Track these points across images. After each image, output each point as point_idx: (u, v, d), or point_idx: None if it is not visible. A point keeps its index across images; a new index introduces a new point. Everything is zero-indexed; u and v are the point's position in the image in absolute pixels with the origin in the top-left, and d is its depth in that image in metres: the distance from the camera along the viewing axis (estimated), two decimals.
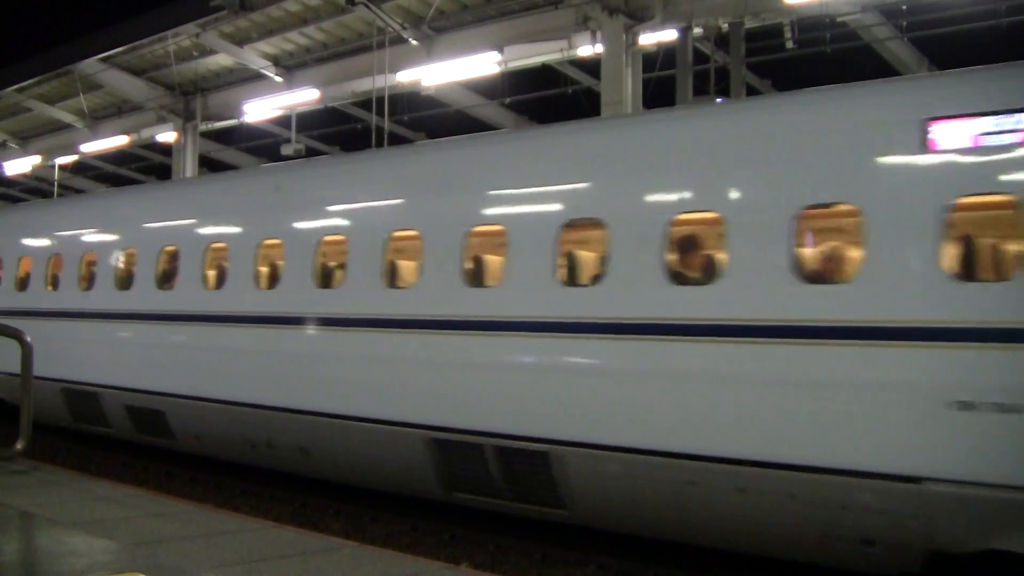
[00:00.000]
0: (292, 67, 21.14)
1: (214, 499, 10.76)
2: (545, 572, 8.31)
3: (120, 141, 25.57)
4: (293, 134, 22.25)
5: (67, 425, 13.87)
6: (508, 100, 20.72)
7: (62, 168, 30.52)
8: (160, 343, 11.95)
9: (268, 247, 10.91)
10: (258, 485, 11.33)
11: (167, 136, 24.76)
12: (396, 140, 20.11)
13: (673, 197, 7.79)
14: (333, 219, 10.37)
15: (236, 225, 11.37)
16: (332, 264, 10.53)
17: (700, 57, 15.80)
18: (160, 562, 5.75)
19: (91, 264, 13.47)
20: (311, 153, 23.28)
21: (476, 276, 9.06)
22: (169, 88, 23.15)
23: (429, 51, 18.10)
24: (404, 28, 17.79)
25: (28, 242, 15.18)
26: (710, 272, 7.64)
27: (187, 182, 15.63)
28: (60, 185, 31.82)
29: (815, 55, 15.70)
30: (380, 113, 18.23)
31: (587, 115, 16.47)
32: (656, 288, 7.53)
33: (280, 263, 10.80)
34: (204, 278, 11.46)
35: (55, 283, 14.08)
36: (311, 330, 10.09)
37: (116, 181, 29.99)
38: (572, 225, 8.21)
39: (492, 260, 9.15)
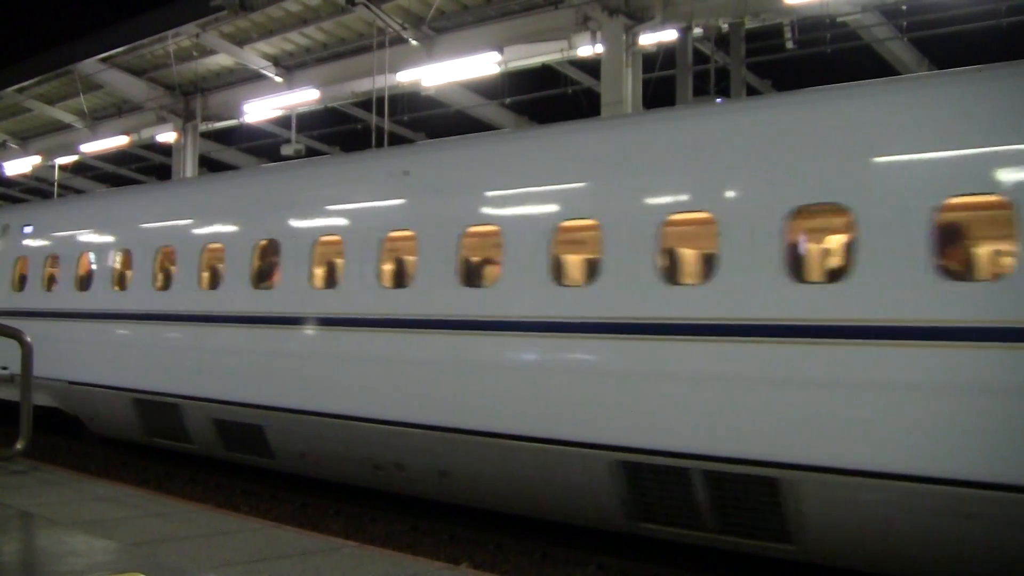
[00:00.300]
0: (292, 67, 21.14)
1: (214, 499, 10.75)
2: (545, 572, 8.30)
3: (120, 141, 25.56)
4: (293, 134, 22.25)
5: (138, 440, 12.63)
6: (508, 100, 20.73)
7: (62, 168, 30.52)
8: (259, 350, 10.54)
9: (395, 240, 9.58)
10: (258, 485, 11.33)
11: (167, 136, 24.75)
12: (396, 140, 20.11)
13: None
14: (483, 207, 8.97)
15: (352, 216, 10.03)
16: (478, 259, 9.26)
17: (700, 57, 15.80)
18: (160, 562, 5.75)
19: (169, 261, 12.14)
20: (311, 153, 23.27)
21: (675, 271, 7.75)
22: (169, 88, 23.15)
23: (429, 51, 18.09)
24: (404, 28, 17.78)
25: (87, 238, 13.69)
26: (980, 268, 6.67)
27: (279, 169, 13.86)
28: (60, 185, 31.81)
29: (815, 55, 15.70)
30: (380, 113, 18.23)
31: (587, 115, 16.46)
32: (922, 284, 6.38)
33: (410, 258, 9.46)
34: (312, 276, 10.11)
35: (123, 282, 12.66)
36: (455, 335, 8.76)
37: (116, 181, 29.98)
38: (800, 213, 7.03)
39: (692, 252, 7.93)
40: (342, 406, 9.53)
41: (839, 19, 14.97)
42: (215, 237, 11.40)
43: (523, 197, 8.75)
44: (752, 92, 17.27)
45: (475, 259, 9.21)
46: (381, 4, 17.31)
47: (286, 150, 21.35)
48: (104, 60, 22.28)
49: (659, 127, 8.56)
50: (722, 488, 7.11)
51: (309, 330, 10.04)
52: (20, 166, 29.64)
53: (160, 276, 12.15)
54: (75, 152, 27.03)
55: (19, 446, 9.10)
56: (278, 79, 21.17)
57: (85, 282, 13.25)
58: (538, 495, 8.38)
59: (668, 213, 7.63)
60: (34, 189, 34.40)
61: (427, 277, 9.05)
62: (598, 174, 8.34)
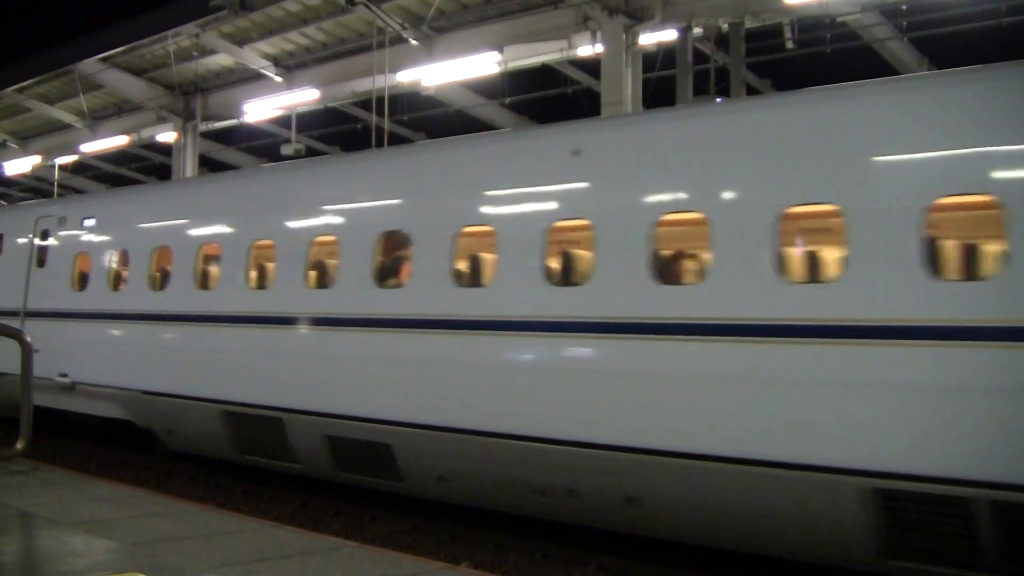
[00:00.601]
0: (292, 67, 21.15)
1: (214, 499, 10.75)
2: (545, 572, 8.30)
3: (120, 141, 25.57)
4: (293, 134, 22.25)
5: (225, 457, 11.32)
6: (508, 100, 20.74)
7: (62, 168, 30.56)
8: (388, 357, 9.21)
9: (564, 231, 8.45)
10: (258, 485, 11.33)
11: (167, 136, 24.77)
12: (396, 140, 20.11)
13: None
14: (679, 191, 7.73)
15: (504, 203, 8.75)
16: (671, 252, 8.08)
17: (700, 57, 15.81)
18: (160, 562, 5.74)
19: (266, 258, 10.82)
20: (311, 153, 23.28)
21: (941, 263, 6.69)
22: (169, 88, 23.16)
23: (429, 51, 18.10)
24: (404, 28, 17.79)
25: (164, 232, 12.10)
26: None
27: (401, 152, 11.75)
28: (60, 185, 31.85)
29: (815, 55, 15.71)
30: (380, 113, 18.23)
31: (587, 115, 16.46)
32: None
33: (579, 252, 8.32)
34: (453, 272, 8.81)
35: (211, 282, 11.38)
36: (649, 341, 7.50)
37: (116, 181, 29.99)
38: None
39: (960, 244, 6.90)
40: (498, 423, 8.26)
41: (839, 19, 14.98)
42: (325, 229, 10.08)
43: (741, 180, 7.43)
44: (752, 92, 17.28)
45: (670, 251, 8.07)
46: (381, 4, 17.31)
47: (286, 150, 21.34)
48: (104, 60, 22.28)
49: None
50: (1015, 521, 6.03)
51: (452, 335, 8.70)
52: (20, 166, 29.66)
53: (256, 274, 10.90)
54: (75, 152, 27.05)
55: (19, 446, 9.09)
56: (278, 79, 21.18)
57: (162, 281, 11.96)
58: (758, 527, 7.16)
59: (937, 198, 6.54)
60: (34, 189, 34.42)
61: (608, 274, 7.79)
62: (839, 153, 7.00)
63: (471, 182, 9.20)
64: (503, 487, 8.51)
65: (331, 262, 10.08)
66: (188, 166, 23.78)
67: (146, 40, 21.01)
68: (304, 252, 10.14)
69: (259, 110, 21.91)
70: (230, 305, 10.83)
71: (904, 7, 15.05)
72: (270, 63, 21.11)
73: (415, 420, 8.86)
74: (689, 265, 7.95)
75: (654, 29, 15.44)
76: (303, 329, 10.02)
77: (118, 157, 29.46)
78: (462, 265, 9.01)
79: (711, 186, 7.53)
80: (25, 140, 29.68)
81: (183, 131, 23.82)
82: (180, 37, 20.53)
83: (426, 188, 9.49)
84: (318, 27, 19.57)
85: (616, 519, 7.98)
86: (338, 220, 10.08)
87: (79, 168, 31.01)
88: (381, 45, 17.76)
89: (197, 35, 20.03)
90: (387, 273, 9.55)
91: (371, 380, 9.35)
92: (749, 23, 15.25)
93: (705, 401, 7.19)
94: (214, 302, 11.05)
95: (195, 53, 21.43)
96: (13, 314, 13.79)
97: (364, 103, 20.98)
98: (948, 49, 15.22)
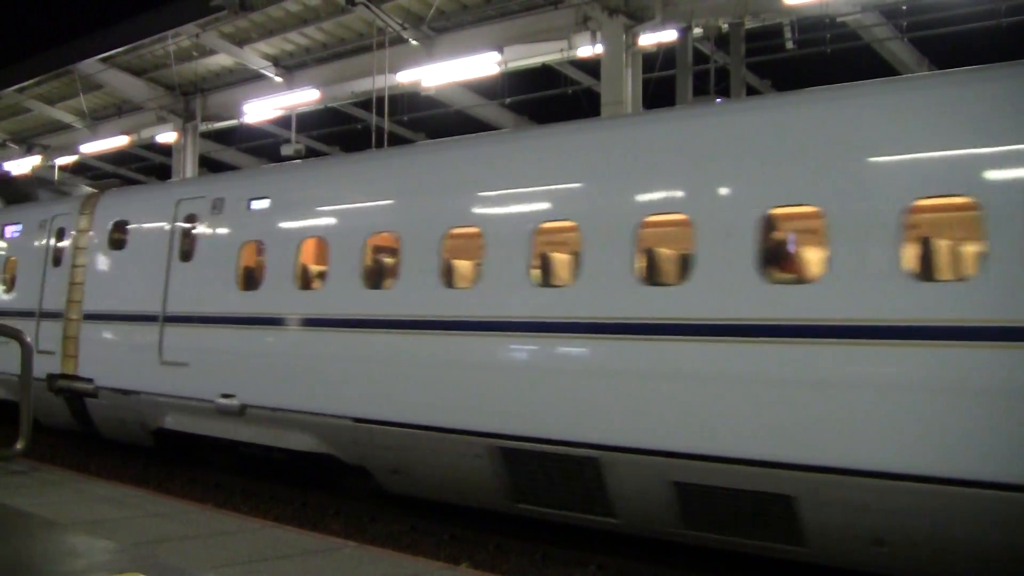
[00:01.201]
0: (292, 67, 21.17)
1: (214, 499, 10.75)
2: (545, 572, 8.30)
3: (120, 141, 25.61)
4: (293, 134, 22.26)
5: (486, 505, 8.84)
6: (508, 100, 20.76)
7: (62, 168, 30.56)
8: (785, 377, 6.74)
9: None
10: (258, 485, 11.33)
11: (167, 136, 24.80)
12: (396, 140, 20.11)
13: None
14: None
15: (935, 165, 6.42)
16: None
17: (700, 57, 15.82)
18: (160, 562, 5.75)
19: (559, 242, 8.69)
20: (311, 153, 23.29)
21: None
22: (169, 88, 23.19)
23: (429, 51, 18.12)
24: (404, 28, 17.80)
25: (378, 214, 9.70)
26: None
27: (779, 101, 8.41)
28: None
29: (815, 55, 15.73)
30: (380, 113, 18.24)
31: (587, 115, 16.47)
32: None
33: None
34: (900, 262, 6.50)
35: (456, 276, 9.08)
36: None
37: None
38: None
39: None
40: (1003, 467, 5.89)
41: (839, 19, 15.00)
42: (663, 205, 7.74)
43: None
44: (752, 92, 17.28)
45: None
46: (381, 4, 17.33)
47: (286, 150, 21.36)
48: (104, 60, 22.31)
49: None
50: None
51: (917, 348, 6.28)
52: (20, 166, 29.66)
53: (542, 267, 8.55)
54: (75, 152, 27.07)
55: (19, 446, 9.13)
56: (278, 79, 21.20)
57: (382, 277, 9.67)
58: None
59: None
60: None
61: None
62: None
63: (935, 135, 6.58)
64: (992, 554, 6.22)
65: (664, 251, 7.89)
66: (188, 166, 23.80)
67: (146, 40, 21.05)
68: (630, 236, 7.67)
69: (259, 110, 21.93)
70: (504, 308, 8.40)
71: (904, 7, 15.07)
72: (270, 63, 21.13)
73: (848, 465, 6.45)
74: None
75: (654, 29, 15.46)
76: (634, 340, 7.55)
77: (118, 157, 29.48)
78: (912, 253, 6.67)
79: None
80: (25, 140, 29.70)
81: (183, 131, 23.85)
82: (180, 37, 20.55)
83: (835, 149, 6.92)
84: (318, 27, 19.59)
85: None
86: (685, 194, 7.63)
87: (79, 168, 31.04)
88: (381, 45, 17.78)
89: (197, 35, 20.05)
90: (774, 263, 7.31)
91: (762, 411, 6.85)
92: (749, 23, 15.27)
93: None
94: (477, 303, 8.59)
95: (195, 53, 21.46)
96: (150, 319, 11.56)
97: (364, 103, 21.00)
98: (948, 49, 15.25)
